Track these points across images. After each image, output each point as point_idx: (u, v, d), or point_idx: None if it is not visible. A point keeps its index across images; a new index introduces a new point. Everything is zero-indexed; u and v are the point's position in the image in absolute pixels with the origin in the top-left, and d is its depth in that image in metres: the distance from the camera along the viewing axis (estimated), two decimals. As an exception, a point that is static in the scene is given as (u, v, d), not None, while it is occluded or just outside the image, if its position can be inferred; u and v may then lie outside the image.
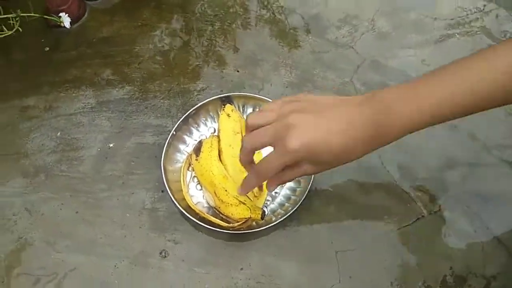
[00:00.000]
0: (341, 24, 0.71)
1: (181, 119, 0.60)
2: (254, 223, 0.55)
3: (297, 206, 0.55)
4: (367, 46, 0.69)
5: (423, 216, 0.57)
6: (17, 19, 0.62)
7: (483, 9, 0.73)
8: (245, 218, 0.52)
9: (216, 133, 0.56)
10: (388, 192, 0.58)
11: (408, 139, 0.61)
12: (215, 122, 0.62)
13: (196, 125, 0.61)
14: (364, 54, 0.68)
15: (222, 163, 0.58)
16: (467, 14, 0.72)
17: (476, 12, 0.73)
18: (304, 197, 0.55)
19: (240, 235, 0.54)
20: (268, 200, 0.57)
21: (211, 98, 0.62)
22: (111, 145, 0.61)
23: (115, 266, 0.54)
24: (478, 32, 0.70)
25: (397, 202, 0.58)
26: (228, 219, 0.54)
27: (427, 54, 0.68)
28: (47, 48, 0.69)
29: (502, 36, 0.70)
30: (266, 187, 0.47)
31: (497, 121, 0.63)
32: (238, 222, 0.53)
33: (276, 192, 0.58)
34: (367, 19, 0.71)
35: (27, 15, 0.63)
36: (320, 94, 0.65)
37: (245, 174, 0.57)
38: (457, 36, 0.70)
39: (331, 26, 0.71)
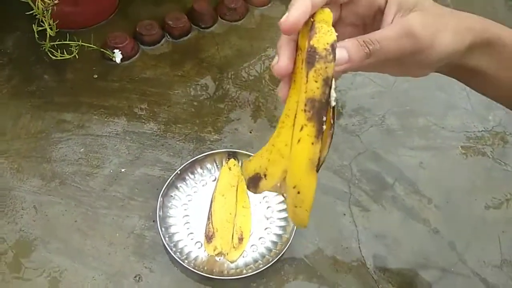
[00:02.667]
0: (354, 113, 0.77)
1: (188, 161, 0.66)
2: (225, 271, 0.59)
3: (268, 265, 0.58)
4: (372, 138, 0.74)
5: (385, 307, 0.59)
6: (77, 46, 0.72)
7: (491, 129, 0.78)
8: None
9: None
10: (358, 276, 0.61)
11: (389, 233, 0.65)
12: (217, 171, 0.67)
13: (201, 170, 0.67)
14: (367, 144, 0.73)
15: (211, 209, 0.63)
16: (474, 131, 0.77)
17: (483, 131, 0.77)
18: (277, 259, 0.59)
19: (209, 279, 0.58)
20: (245, 253, 0.61)
21: (219, 150, 0.68)
22: (122, 170, 0.68)
23: (93, 277, 0.59)
24: (480, 151, 0.74)
25: (362, 287, 0.60)
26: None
27: (425, 158, 0.73)
28: (96, 76, 0.79)
29: (502, 164, 0.73)
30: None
31: (481, 236, 0.66)
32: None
33: (253, 245, 0.62)
34: (378, 115, 0.77)
35: (87, 45, 0.74)
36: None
37: (230, 227, 0.62)
38: (460, 149, 0.75)
39: (344, 113, 0.77)
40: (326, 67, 0.29)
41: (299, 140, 0.31)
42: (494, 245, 0.65)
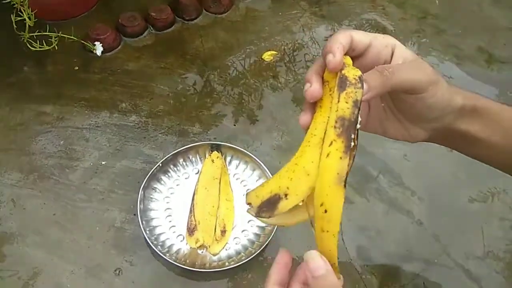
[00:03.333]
0: (339, 106, 0.77)
1: (171, 154, 0.66)
2: (208, 264, 0.59)
3: (251, 257, 0.58)
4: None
5: (368, 298, 0.59)
6: (56, 37, 0.71)
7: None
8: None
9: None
10: (342, 267, 0.60)
11: (373, 225, 0.65)
12: (200, 163, 0.67)
13: (184, 162, 0.67)
14: (352, 137, 0.73)
15: (194, 201, 0.63)
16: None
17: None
18: (259, 251, 0.59)
19: (191, 272, 0.57)
20: (228, 245, 0.61)
21: (202, 142, 0.68)
22: (103, 162, 0.67)
23: (71, 271, 0.58)
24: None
25: (346, 279, 0.59)
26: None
27: (410, 151, 0.73)
28: (77, 68, 0.78)
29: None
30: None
31: (464, 228, 0.66)
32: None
33: (236, 238, 0.61)
34: (363, 108, 0.77)
35: (67, 36, 0.73)
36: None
37: (212, 220, 0.62)
38: (443, 141, 0.75)
39: (329, 106, 0.77)
40: (356, 92, 0.34)
41: (328, 155, 0.33)
42: (477, 237, 0.66)
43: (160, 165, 0.65)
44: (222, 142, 0.69)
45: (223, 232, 0.61)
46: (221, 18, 0.88)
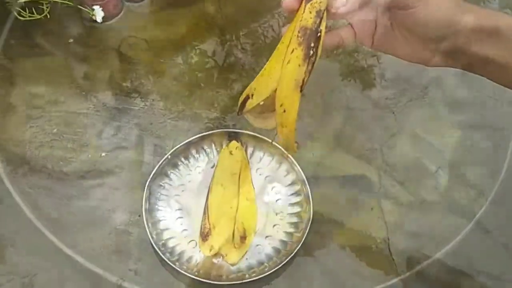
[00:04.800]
0: (389, 84, 0.79)
1: (182, 144, 0.70)
2: (224, 276, 0.62)
3: (275, 269, 0.61)
4: (410, 114, 0.76)
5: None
6: (48, 4, 0.75)
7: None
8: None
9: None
10: (386, 281, 0.63)
11: (427, 231, 0.67)
12: (216, 155, 0.71)
13: (197, 154, 0.71)
14: (403, 122, 0.75)
15: (208, 201, 0.67)
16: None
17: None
18: (286, 261, 0.62)
19: (205, 285, 0.62)
20: (249, 254, 0.64)
21: (219, 130, 0.71)
22: (103, 154, 0.72)
23: (68, 279, 0.63)
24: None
25: (390, 293, 0.63)
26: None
27: (478, 141, 0.74)
28: (71, 40, 0.82)
29: None
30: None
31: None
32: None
33: (258, 245, 0.65)
34: (420, 85, 0.78)
35: (61, 2, 0.77)
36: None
37: (230, 223, 0.65)
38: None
39: (377, 84, 0.79)
40: (320, 2, 0.43)
41: (288, 61, 0.44)
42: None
43: (169, 157, 0.69)
44: (241, 129, 0.72)
45: (243, 238, 0.65)
46: (243, -24, 0.91)
